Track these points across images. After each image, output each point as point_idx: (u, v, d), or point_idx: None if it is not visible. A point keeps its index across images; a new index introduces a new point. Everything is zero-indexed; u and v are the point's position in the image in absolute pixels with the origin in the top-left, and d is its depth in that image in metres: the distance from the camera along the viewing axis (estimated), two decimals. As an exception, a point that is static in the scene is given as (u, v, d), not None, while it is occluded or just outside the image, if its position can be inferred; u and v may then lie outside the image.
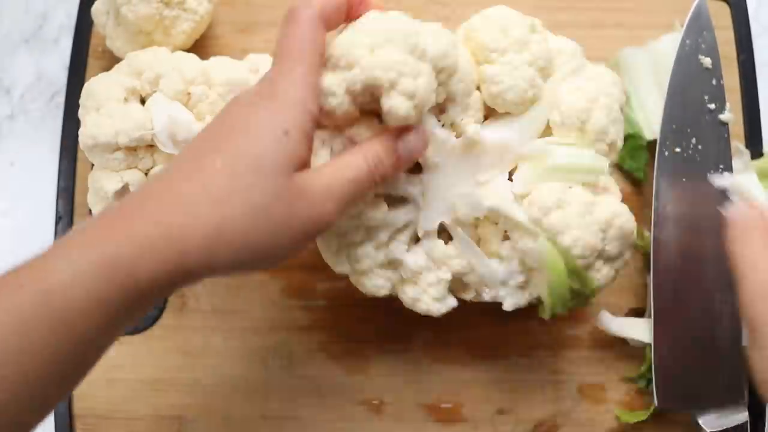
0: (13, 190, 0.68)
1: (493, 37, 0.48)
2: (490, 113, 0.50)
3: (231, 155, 0.39)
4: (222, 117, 0.42)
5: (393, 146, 0.44)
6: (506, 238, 0.51)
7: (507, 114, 0.49)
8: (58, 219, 0.63)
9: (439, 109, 0.48)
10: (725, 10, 0.66)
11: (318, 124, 0.44)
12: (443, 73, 0.44)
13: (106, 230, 0.37)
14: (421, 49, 0.43)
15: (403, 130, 0.44)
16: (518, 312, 0.61)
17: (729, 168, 0.57)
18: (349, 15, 0.45)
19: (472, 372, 0.62)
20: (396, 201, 0.50)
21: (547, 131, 0.51)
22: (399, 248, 0.50)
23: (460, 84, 0.46)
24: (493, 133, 0.49)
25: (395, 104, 0.42)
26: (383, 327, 0.62)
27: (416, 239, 0.51)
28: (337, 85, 0.43)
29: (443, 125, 0.48)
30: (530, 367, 0.62)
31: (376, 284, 0.51)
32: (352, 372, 0.62)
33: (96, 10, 0.61)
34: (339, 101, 0.43)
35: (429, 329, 0.62)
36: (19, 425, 0.36)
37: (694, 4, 0.58)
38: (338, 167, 0.43)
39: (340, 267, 0.51)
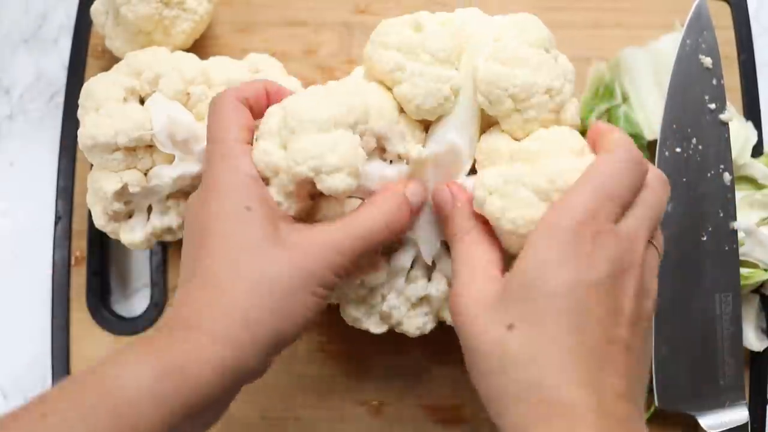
0: (12, 190, 0.68)
1: (384, 59, 0.46)
2: (428, 124, 0.48)
3: (219, 259, 0.41)
4: (191, 221, 0.44)
5: (404, 199, 0.45)
6: None
7: (441, 117, 0.47)
8: (58, 219, 0.63)
9: (380, 150, 0.47)
10: (726, 10, 0.66)
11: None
12: (359, 125, 0.43)
13: (165, 341, 0.39)
14: (326, 119, 0.42)
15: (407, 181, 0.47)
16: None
17: (729, 168, 0.57)
18: (268, 105, 0.47)
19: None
20: (393, 248, 0.50)
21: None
22: (419, 286, 0.51)
23: (380, 122, 0.45)
24: (436, 144, 0.47)
25: (332, 185, 0.42)
26: (383, 327, 0.62)
27: (431, 266, 0.51)
28: (276, 194, 0.43)
29: (391, 162, 0.47)
30: (530, 367, 0.62)
31: (418, 325, 0.52)
32: (352, 372, 0.62)
33: (95, 9, 0.61)
34: (287, 206, 0.44)
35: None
36: None
37: (695, 4, 0.58)
38: (349, 222, 0.43)
39: (379, 329, 0.52)
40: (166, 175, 0.55)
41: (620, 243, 0.38)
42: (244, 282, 0.40)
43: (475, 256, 0.43)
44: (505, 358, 0.37)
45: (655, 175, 0.42)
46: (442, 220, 0.47)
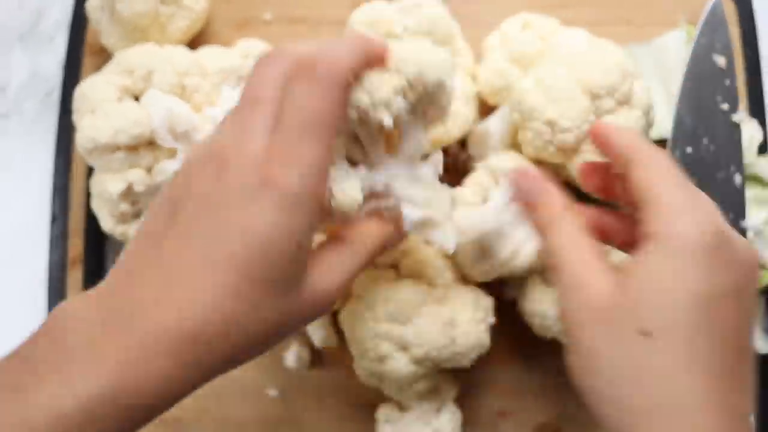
0: (7, 189, 0.67)
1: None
2: None
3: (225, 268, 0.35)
4: (197, 200, 0.36)
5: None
6: None
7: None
8: (54, 218, 0.63)
9: None
10: (730, 6, 0.66)
11: None
12: None
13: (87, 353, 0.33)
14: None
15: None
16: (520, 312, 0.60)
17: (740, 169, 0.56)
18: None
19: (473, 373, 0.61)
20: None
21: None
22: None
23: None
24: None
25: None
26: (384, 328, 0.61)
27: None
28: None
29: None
30: (532, 368, 0.61)
31: None
32: (352, 373, 0.61)
33: (91, 5, 0.61)
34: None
35: (430, 330, 0.61)
36: None
37: (711, 2, 0.57)
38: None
39: None
40: (170, 169, 0.55)
41: (742, 238, 0.36)
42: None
43: (585, 244, 0.39)
44: (642, 369, 0.34)
45: None
46: (528, 208, 0.42)
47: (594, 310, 0.36)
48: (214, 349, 0.34)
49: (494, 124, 0.56)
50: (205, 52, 0.58)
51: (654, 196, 0.36)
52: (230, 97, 0.56)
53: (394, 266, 0.54)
